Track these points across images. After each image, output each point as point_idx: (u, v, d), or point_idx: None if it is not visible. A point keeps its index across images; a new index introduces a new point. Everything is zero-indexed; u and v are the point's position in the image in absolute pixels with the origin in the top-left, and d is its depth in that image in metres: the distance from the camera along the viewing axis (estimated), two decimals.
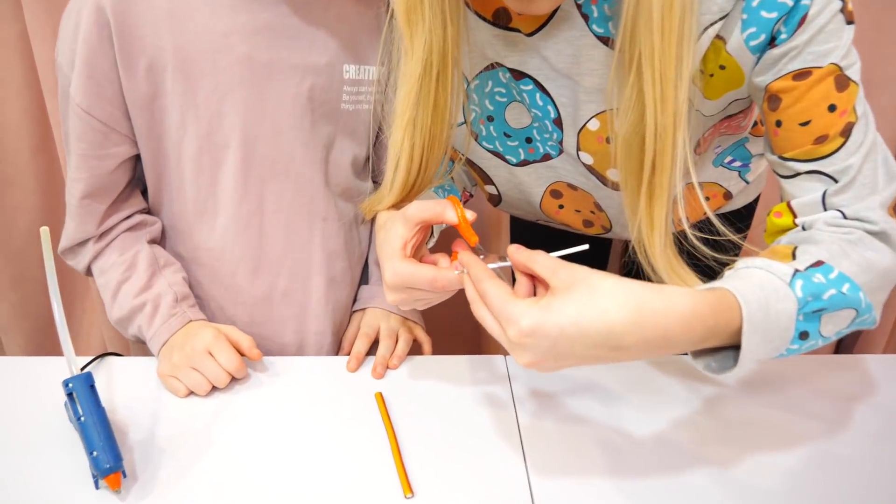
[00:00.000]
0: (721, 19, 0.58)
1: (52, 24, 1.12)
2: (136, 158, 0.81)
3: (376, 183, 0.91)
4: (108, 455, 0.59)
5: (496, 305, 0.50)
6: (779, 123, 0.61)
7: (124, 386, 0.75)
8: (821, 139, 0.59)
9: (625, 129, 0.59)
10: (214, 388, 0.74)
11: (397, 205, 0.71)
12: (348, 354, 0.81)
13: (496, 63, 0.70)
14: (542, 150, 0.75)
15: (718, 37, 0.59)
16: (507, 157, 0.78)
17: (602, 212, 0.81)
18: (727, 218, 0.63)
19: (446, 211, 0.60)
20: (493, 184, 0.83)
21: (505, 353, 0.74)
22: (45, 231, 0.65)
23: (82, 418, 0.61)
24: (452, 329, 1.28)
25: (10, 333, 1.39)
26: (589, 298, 0.48)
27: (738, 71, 0.61)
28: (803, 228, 0.62)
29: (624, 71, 0.58)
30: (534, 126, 0.73)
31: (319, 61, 0.79)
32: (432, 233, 0.75)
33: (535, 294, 0.54)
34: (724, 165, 0.82)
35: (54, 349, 1.36)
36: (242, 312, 0.85)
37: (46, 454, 0.64)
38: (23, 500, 0.59)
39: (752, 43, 0.58)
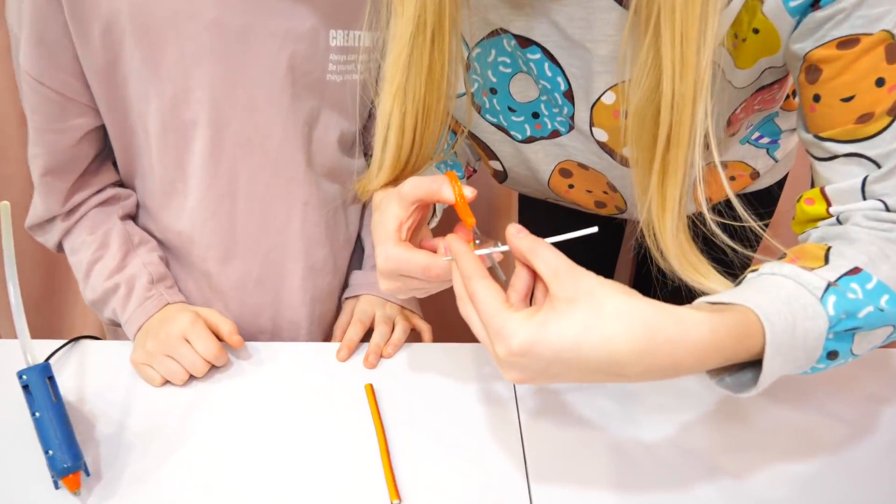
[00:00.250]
0: None
1: None
2: (104, 128, 0.74)
3: (368, 156, 0.84)
4: (65, 454, 0.54)
5: (485, 314, 0.44)
6: (817, 98, 0.53)
7: (97, 373, 0.70)
8: (865, 117, 0.51)
9: (638, 98, 0.52)
10: (192, 378, 0.69)
11: (394, 182, 0.65)
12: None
13: (500, 29, 0.63)
14: (549, 127, 0.68)
15: None
16: (512, 132, 0.71)
17: (616, 192, 0.74)
18: (750, 200, 0.56)
19: (442, 188, 0.53)
20: (497, 159, 0.77)
21: None
22: (5, 206, 0.60)
23: (37, 414, 0.56)
24: (455, 316, 1.22)
25: None
26: (592, 319, 0.41)
27: (774, 35, 0.54)
28: (838, 220, 0.54)
29: (639, 31, 0.50)
30: (541, 100, 0.66)
31: (301, 26, 0.70)
32: (434, 211, 0.68)
33: (533, 288, 0.48)
34: (751, 142, 0.75)
35: (37, 331, 1.31)
36: (215, 299, 0.79)
37: (4, 448, 0.60)
38: None
39: (792, 4, 0.51)
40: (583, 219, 0.89)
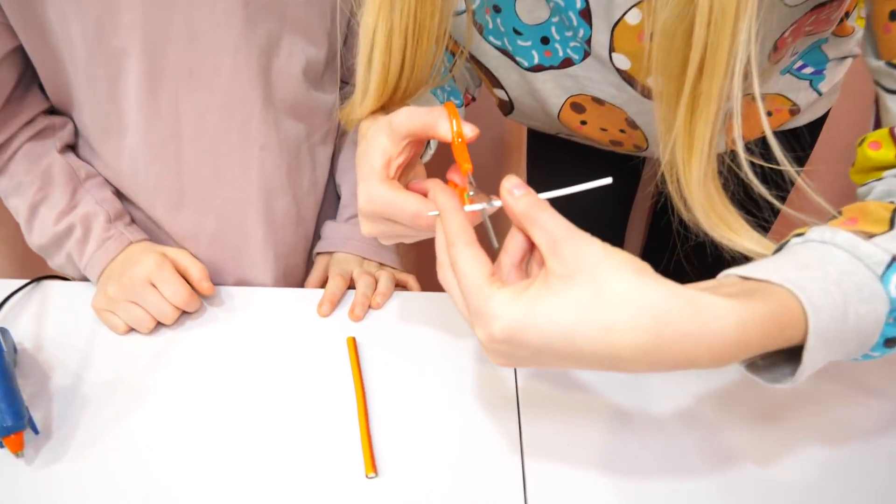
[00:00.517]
0: None
1: None
2: (24, 50, 0.63)
3: (346, 84, 0.75)
4: (5, 413, 0.48)
5: (466, 288, 0.37)
6: (893, 15, 0.44)
7: (58, 317, 0.64)
8: None
9: (667, 14, 0.43)
10: (161, 325, 0.63)
11: (382, 110, 0.56)
12: None
13: None
14: (561, 54, 0.59)
15: None
16: (518, 58, 0.62)
17: (636, 129, 0.65)
18: (784, 139, 0.47)
19: (439, 123, 0.45)
20: (502, 88, 0.68)
21: None
22: None
23: None
24: None
25: None
26: (591, 303, 0.33)
27: None
28: None
29: None
30: (552, 21, 0.57)
31: None
32: (428, 143, 0.60)
33: (530, 254, 0.40)
34: (792, 72, 0.65)
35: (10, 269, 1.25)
36: (172, 245, 0.71)
37: None
38: None
39: None
40: (599, 157, 0.80)
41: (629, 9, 0.52)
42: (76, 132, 0.68)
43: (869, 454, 0.52)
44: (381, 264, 0.74)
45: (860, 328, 0.36)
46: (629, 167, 0.87)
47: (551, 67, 0.61)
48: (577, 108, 0.65)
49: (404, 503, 0.49)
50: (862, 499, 0.49)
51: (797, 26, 0.53)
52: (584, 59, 0.59)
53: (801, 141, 0.77)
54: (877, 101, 0.49)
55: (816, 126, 0.78)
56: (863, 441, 0.53)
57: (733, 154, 0.45)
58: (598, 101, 0.62)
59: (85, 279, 0.68)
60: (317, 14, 0.66)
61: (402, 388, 0.58)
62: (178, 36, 0.60)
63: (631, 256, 0.34)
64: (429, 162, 0.60)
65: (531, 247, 0.39)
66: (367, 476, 0.50)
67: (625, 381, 0.58)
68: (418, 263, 1.20)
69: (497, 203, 0.40)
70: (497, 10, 0.58)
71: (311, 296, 0.68)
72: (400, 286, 0.73)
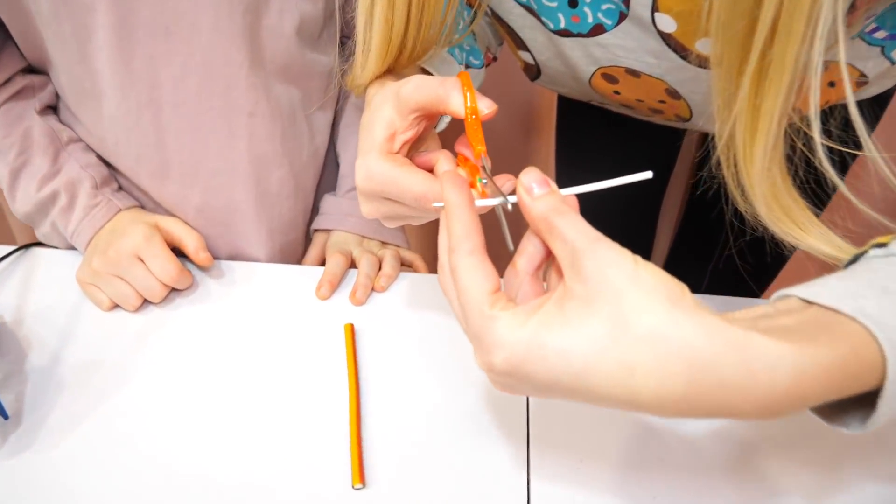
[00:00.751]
0: None
1: None
2: None
3: (347, 40, 0.68)
4: None
5: (467, 306, 0.31)
6: None
7: (41, 290, 0.61)
8: None
9: None
10: (148, 302, 0.59)
11: (390, 74, 0.50)
12: None
13: None
14: (590, 20, 0.52)
15: None
16: (544, 18, 0.54)
17: (679, 99, 0.58)
18: (841, 116, 0.40)
19: (451, 95, 0.38)
20: (527, 50, 0.61)
21: None
22: None
23: None
24: None
25: None
26: (613, 337, 0.27)
27: None
28: None
29: None
30: None
31: None
32: None
33: (546, 259, 0.34)
34: (863, 37, 0.56)
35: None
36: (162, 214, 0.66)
37: None
38: None
39: None
40: (635, 128, 0.73)
41: None
42: (57, 95, 0.63)
43: None
44: (384, 243, 0.68)
45: None
46: (665, 135, 0.78)
47: (579, 35, 0.54)
48: (609, 78, 0.57)
49: None
50: None
51: None
52: (618, 23, 0.51)
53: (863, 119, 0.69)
54: None
55: (882, 102, 0.69)
56: None
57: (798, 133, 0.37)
58: (633, 73, 0.55)
59: (73, 249, 0.63)
60: None
61: (402, 386, 0.52)
62: None
63: (665, 277, 0.28)
64: (444, 131, 0.53)
65: (546, 255, 0.33)
66: (353, 487, 0.45)
67: None
68: (426, 242, 1.14)
69: (513, 200, 0.34)
70: None
71: (309, 273, 0.63)
72: (405, 267, 0.67)
